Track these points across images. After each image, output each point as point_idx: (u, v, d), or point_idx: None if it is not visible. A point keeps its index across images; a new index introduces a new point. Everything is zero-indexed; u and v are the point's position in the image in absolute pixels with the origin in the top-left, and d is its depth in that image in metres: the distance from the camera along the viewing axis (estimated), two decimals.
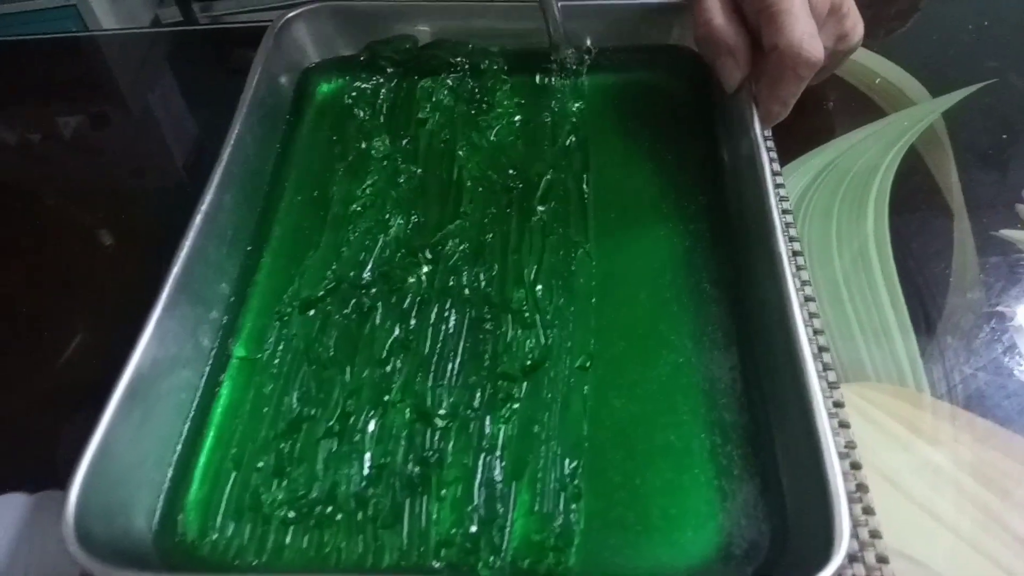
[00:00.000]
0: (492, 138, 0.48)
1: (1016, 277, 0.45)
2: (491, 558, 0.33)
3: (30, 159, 0.56)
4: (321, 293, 0.41)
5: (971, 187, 0.49)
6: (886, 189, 0.49)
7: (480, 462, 0.36)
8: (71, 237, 0.50)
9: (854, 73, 0.57)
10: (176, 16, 1.25)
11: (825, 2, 0.45)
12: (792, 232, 0.46)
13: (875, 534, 0.35)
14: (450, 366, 0.39)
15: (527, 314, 0.40)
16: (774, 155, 0.50)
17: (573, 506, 0.34)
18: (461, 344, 0.39)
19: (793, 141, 0.52)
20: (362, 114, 0.50)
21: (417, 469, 0.35)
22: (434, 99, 0.50)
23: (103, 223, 0.50)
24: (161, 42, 0.67)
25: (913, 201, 0.49)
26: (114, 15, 1.05)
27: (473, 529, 0.34)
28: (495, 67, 0.52)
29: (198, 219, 0.39)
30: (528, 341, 0.39)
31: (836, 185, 0.50)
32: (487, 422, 0.37)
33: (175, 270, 0.37)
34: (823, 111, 0.55)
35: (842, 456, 0.37)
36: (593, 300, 0.41)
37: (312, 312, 0.41)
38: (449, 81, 0.51)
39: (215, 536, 0.34)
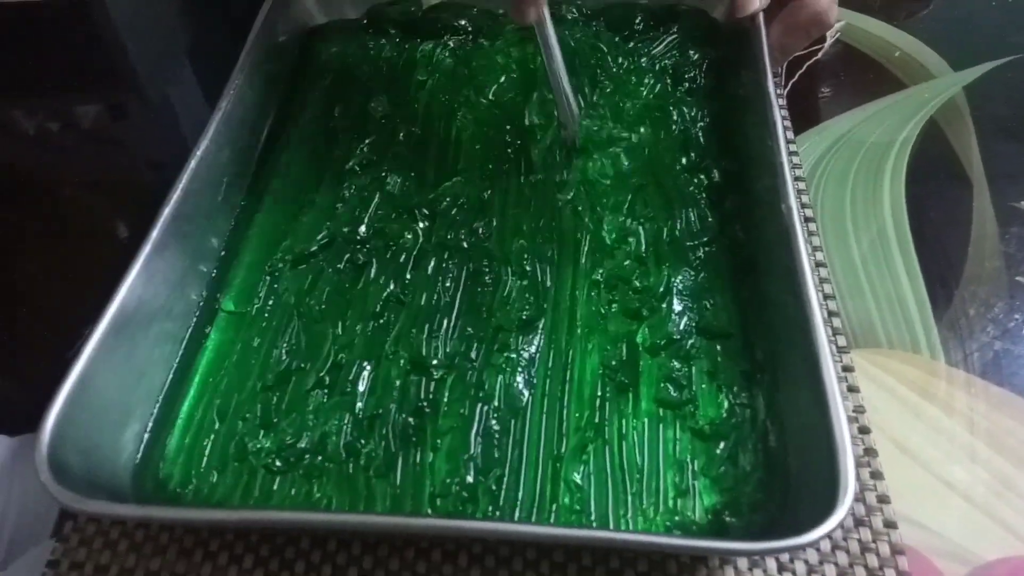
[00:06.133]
0: (491, 97, 0.47)
1: None
2: (489, 508, 0.31)
3: (48, 149, 0.55)
4: (314, 248, 0.40)
5: (992, 159, 0.48)
6: (903, 159, 0.48)
7: (477, 411, 0.34)
8: (88, 229, 0.49)
9: (873, 46, 0.56)
10: None
11: None
12: (805, 199, 0.45)
13: (883, 499, 0.33)
14: (446, 320, 0.38)
15: (528, 266, 0.39)
16: (788, 123, 0.49)
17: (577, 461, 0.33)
18: (458, 297, 0.38)
19: (808, 110, 0.51)
20: (362, 75, 0.49)
21: (411, 419, 0.34)
22: (435, 60, 0.49)
23: (120, 215, 0.49)
24: (179, 14, 0.66)
25: (931, 171, 0.47)
26: None
27: (469, 479, 0.32)
28: (497, 29, 0.51)
29: (192, 163, 0.38)
30: (527, 293, 0.38)
31: (852, 154, 0.48)
32: (484, 373, 0.35)
33: (166, 211, 0.36)
34: (840, 82, 0.54)
35: (850, 420, 0.36)
36: (592, 261, 0.40)
37: (304, 267, 0.40)
38: (451, 43, 0.50)
39: (196, 483, 0.33)
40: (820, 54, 0.54)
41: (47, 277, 0.46)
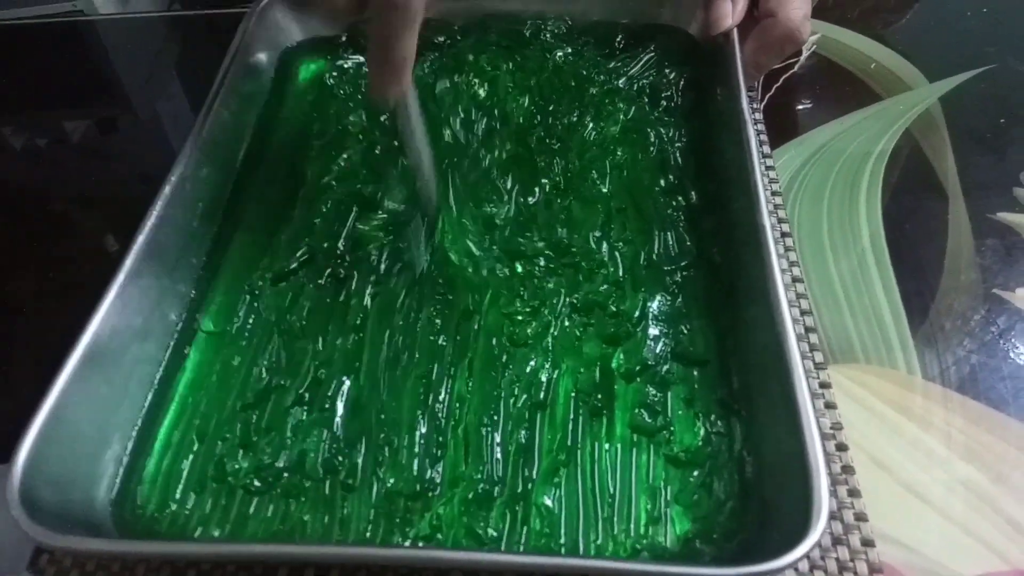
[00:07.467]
0: (473, 107, 0.47)
1: (1013, 260, 0.43)
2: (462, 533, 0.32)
3: (38, 164, 0.55)
4: (294, 265, 0.41)
5: (968, 170, 0.48)
6: (880, 172, 0.48)
7: (448, 431, 0.35)
8: (78, 243, 0.49)
9: (849, 58, 0.56)
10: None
11: None
12: (781, 214, 0.45)
13: (861, 516, 0.33)
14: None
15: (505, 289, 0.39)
16: (764, 137, 0.49)
17: (548, 484, 0.33)
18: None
19: (785, 123, 0.51)
20: (341, 93, 0.49)
21: (383, 436, 0.34)
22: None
23: (111, 229, 0.49)
24: (167, 32, 0.66)
25: (907, 184, 0.48)
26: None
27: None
28: (477, 44, 0.51)
29: (167, 189, 0.38)
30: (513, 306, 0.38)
31: (828, 168, 0.49)
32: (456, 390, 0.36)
33: (140, 239, 0.36)
34: (816, 94, 0.54)
35: (827, 437, 0.36)
36: (568, 278, 0.40)
37: (284, 284, 0.40)
38: (429, 59, 0.50)
39: (175, 507, 0.33)
40: (796, 67, 0.55)
41: (37, 293, 0.46)
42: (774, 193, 0.46)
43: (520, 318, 0.38)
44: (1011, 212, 0.46)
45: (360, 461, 0.34)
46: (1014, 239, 0.44)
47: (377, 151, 0.46)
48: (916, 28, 0.60)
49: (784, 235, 0.44)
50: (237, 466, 0.34)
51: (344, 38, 0.52)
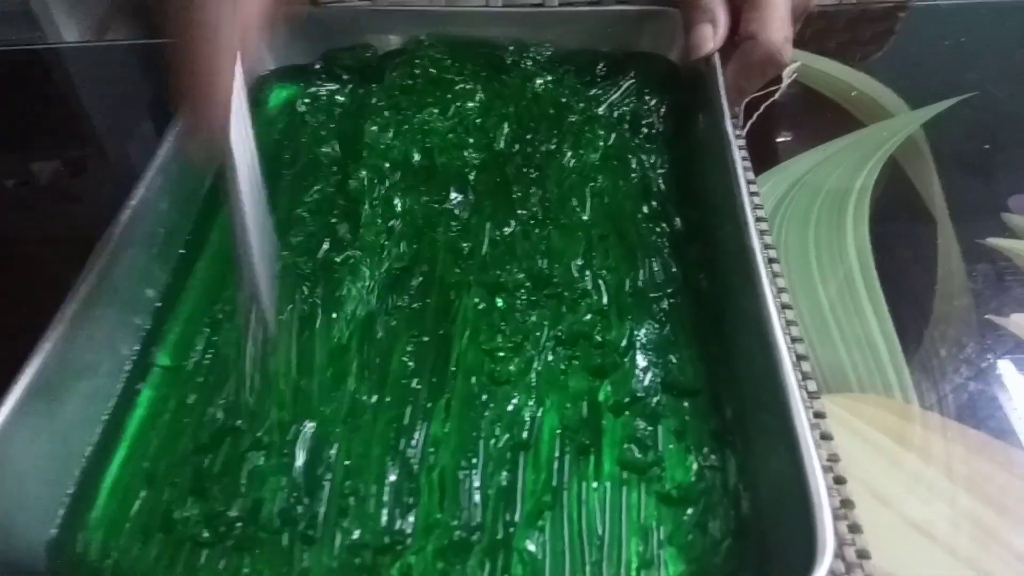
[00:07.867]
0: (449, 137, 0.46)
1: (1005, 285, 0.42)
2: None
3: (5, 206, 0.53)
4: None
5: (954, 196, 0.47)
6: (865, 198, 0.47)
7: (423, 475, 0.32)
8: (47, 286, 0.46)
9: (830, 86, 0.56)
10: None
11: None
12: (768, 239, 0.44)
13: (863, 554, 0.31)
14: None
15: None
16: (748, 164, 0.48)
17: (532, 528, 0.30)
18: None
19: (767, 152, 0.50)
20: (314, 121, 0.47)
21: (349, 482, 0.32)
22: (389, 107, 0.48)
23: (78, 272, 0.47)
24: (137, 63, 0.65)
25: (894, 210, 0.47)
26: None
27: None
28: (453, 74, 0.49)
29: (123, 217, 0.36)
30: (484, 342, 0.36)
31: (813, 195, 0.47)
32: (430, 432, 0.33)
33: (94, 268, 0.34)
34: (798, 122, 0.54)
35: (825, 470, 0.34)
36: (551, 310, 0.38)
37: None
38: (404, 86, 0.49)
39: (117, 556, 0.30)
40: (776, 95, 0.54)
41: (5, 337, 0.43)
42: (760, 219, 0.45)
43: (502, 354, 0.36)
44: (1000, 237, 0.44)
45: (322, 511, 0.31)
46: (1004, 265, 0.43)
47: (350, 185, 0.44)
48: (894, 58, 0.60)
49: (772, 261, 0.42)
50: (186, 514, 0.31)
51: (319, 65, 0.50)
